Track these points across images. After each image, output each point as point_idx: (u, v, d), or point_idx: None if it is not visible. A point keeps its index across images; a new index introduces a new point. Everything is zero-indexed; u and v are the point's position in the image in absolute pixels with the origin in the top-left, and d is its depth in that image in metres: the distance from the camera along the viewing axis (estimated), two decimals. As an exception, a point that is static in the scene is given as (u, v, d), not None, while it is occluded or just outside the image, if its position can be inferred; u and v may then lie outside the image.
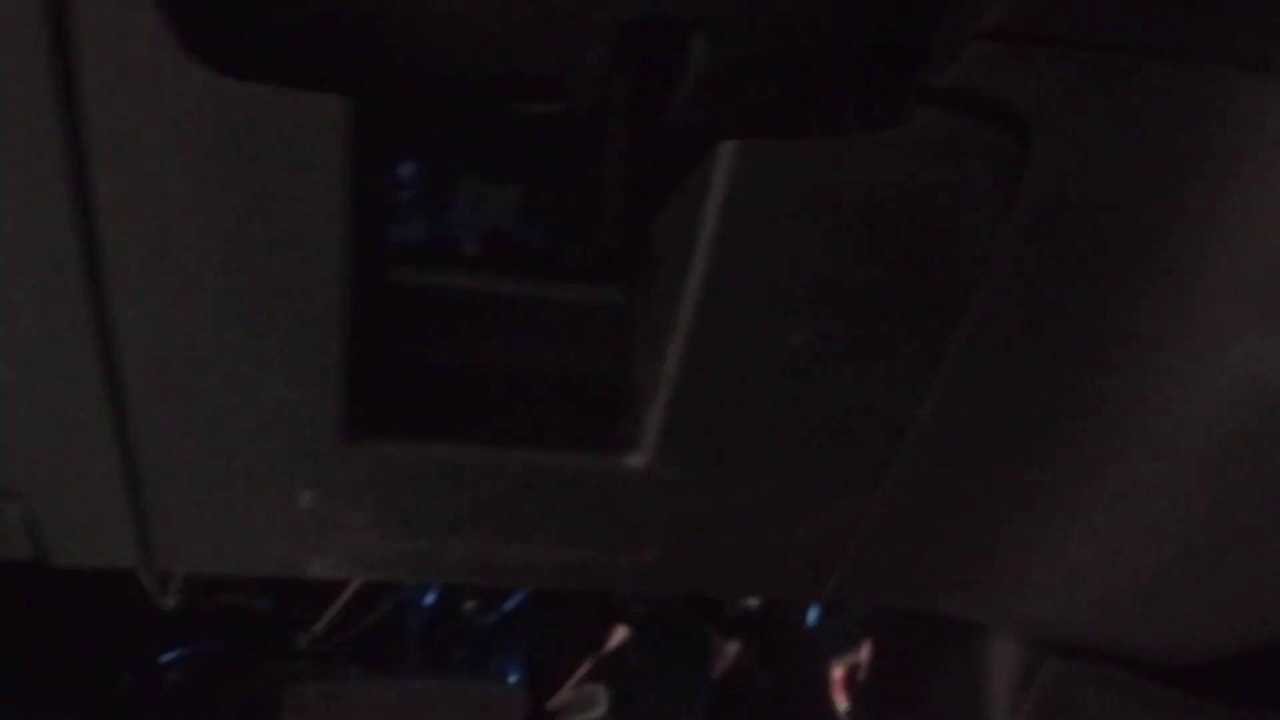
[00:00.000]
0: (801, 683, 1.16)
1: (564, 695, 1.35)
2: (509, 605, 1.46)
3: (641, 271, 0.69)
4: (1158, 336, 0.63)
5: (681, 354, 0.64)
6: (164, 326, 0.62)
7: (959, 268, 0.61)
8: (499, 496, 0.71)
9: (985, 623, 0.85)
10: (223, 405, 0.65)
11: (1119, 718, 0.77)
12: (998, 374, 0.66)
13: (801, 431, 0.69)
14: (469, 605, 1.47)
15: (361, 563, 0.75)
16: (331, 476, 0.69)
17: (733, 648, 1.27)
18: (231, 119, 0.54)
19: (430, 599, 1.50)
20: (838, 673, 1.09)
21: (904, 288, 0.62)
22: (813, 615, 1.19)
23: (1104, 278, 0.62)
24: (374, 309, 0.67)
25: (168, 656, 1.26)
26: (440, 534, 0.74)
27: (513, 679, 1.31)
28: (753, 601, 1.25)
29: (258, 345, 0.62)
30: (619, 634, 1.37)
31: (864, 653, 1.06)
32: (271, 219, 0.58)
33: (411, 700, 1.04)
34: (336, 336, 0.62)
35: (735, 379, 0.66)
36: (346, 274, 0.59)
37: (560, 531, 0.74)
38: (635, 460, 0.69)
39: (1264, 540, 0.65)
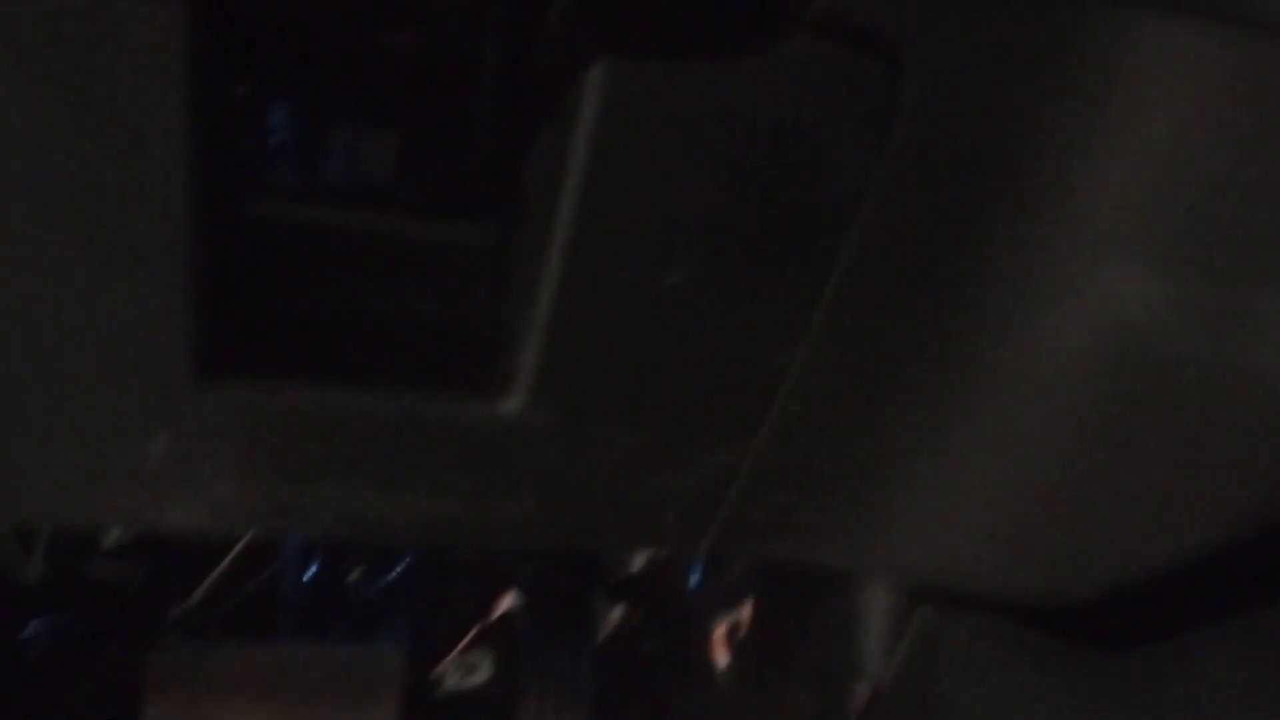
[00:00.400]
0: (685, 643, 1.16)
1: (448, 662, 1.33)
2: (393, 576, 1.43)
3: (513, 210, 0.67)
4: (1025, 276, 0.63)
5: (553, 295, 0.62)
6: None
7: (833, 205, 0.60)
8: (366, 444, 0.69)
9: (860, 572, 0.85)
10: (62, 339, 0.61)
11: (988, 664, 0.78)
12: (870, 317, 0.66)
13: (677, 376, 0.68)
14: (352, 575, 1.44)
15: (222, 515, 0.72)
16: (185, 420, 0.65)
17: (618, 611, 1.26)
18: (62, 16, 0.50)
19: (311, 571, 1.46)
20: (720, 631, 1.09)
21: (778, 224, 0.61)
22: (696, 577, 1.19)
23: (974, 216, 0.62)
24: (230, 241, 0.64)
25: (29, 631, 1.21)
26: (304, 484, 0.71)
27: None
28: (638, 565, 1.25)
29: (98, 276, 0.58)
30: (505, 600, 1.36)
31: (746, 611, 1.06)
32: (107, 129, 0.54)
33: (284, 667, 1.01)
34: (184, 266, 0.59)
35: (609, 321, 0.64)
36: (192, 196, 0.56)
37: (431, 482, 0.72)
38: (508, 405, 0.67)
39: (1130, 481, 0.67)
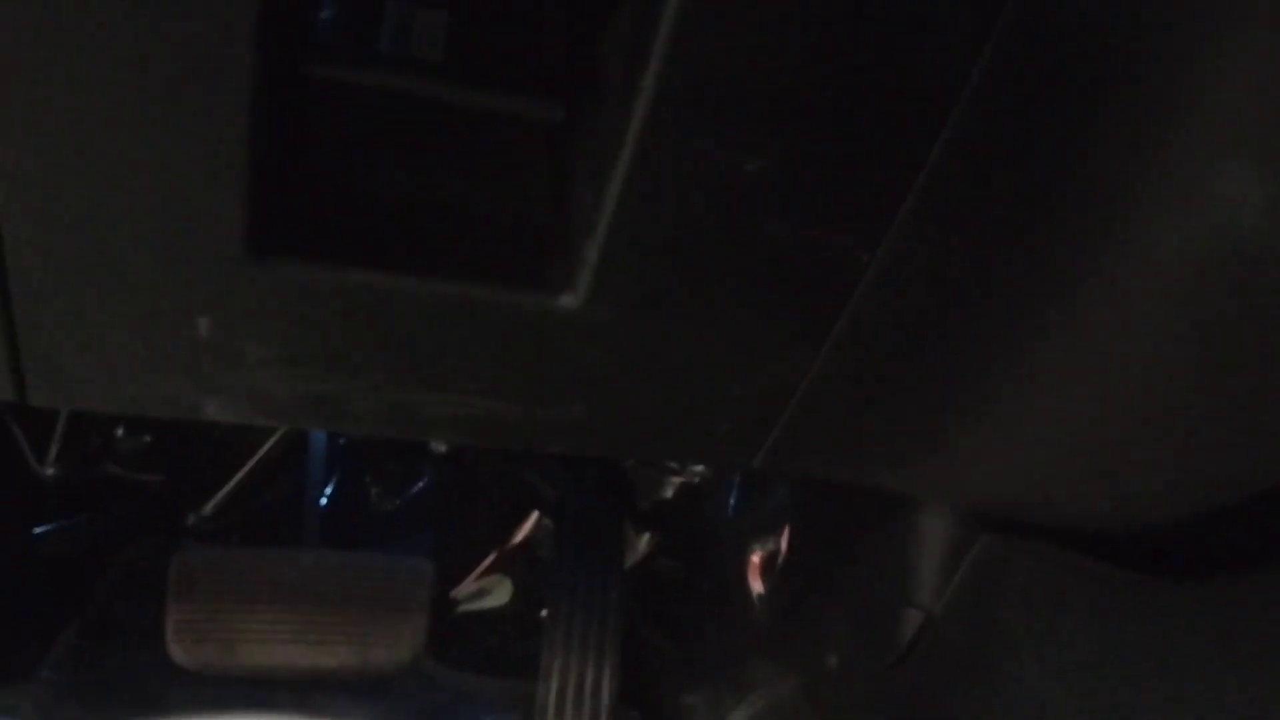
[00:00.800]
0: (720, 571, 1.13)
1: (468, 585, 1.31)
2: (414, 491, 1.41)
3: (585, 87, 0.63)
4: (1128, 179, 0.59)
5: (624, 180, 0.58)
6: (34, 116, 0.54)
7: (931, 90, 0.56)
8: (415, 335, 0.65)
9: (919, 496, 0.82)
10: (106, 212, 0.58)
11: (1051, 594, 0.75)
12: (954, 221, 0.62)
13: (747, 275, 0.64)
14: (373, 490, 1.41)
15: (262, 406, 0.69)
16: (232, 301, 0.62)
17: (646, 539, 1.24)
18: None
19: (332, 485, 1.44)
20: (756, 558, 1.06)
21: (871, 107, 0.57)
22: (731, 504, 1.16)
23: (1084, 108, 0.58)
24: (285, 110, 0.60)
25: (42, 528, 1.19)
26: (349, 376, 0.68)
27: (417, 565, 1.26)
28: (669, 491, 1.22)
29: (147, 140, 0.55)
30: (528, 524, 1.34)
31: (783, 540, 1.04)
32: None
33: (311, 574, 0.98)
34: (241, 135, 0.55)
35: (680, 211, 0.60)
36: (254, 55, 0.52)
37: (481, 379, 0.69)
38: (567, 301, 0.64)
39: (1227, 402, 0.63)
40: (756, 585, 1.05)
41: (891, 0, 0.53)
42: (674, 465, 1.21)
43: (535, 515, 1.32)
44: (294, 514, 1.30)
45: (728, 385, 0.70)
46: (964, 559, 0.78)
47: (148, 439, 1.20)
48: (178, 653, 0.97)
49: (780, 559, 1.03)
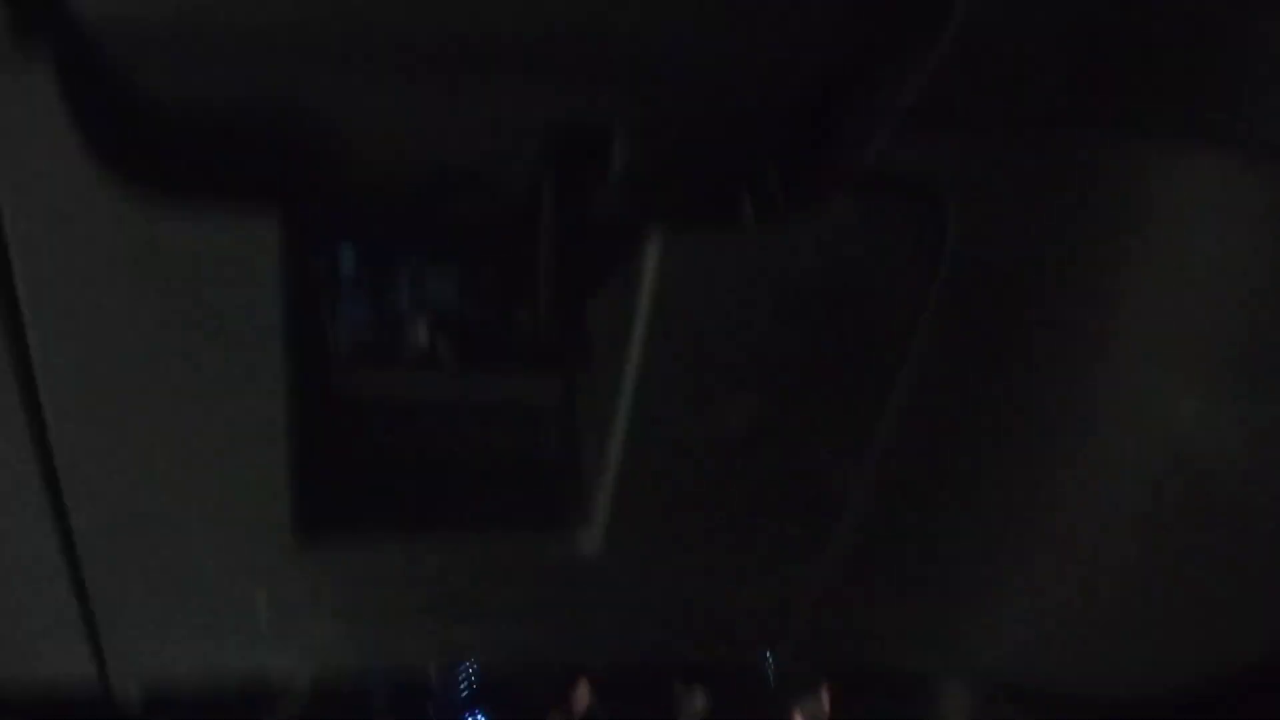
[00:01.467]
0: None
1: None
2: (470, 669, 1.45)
3: (580, 358, 0.71)
4: (1080, 403, 0.65)
5: (624, 439, 0.65)
6: (106, 440, 0.62)
7: (887, 342, 0.63)
8: (455, 583, 0.72)
9: (936, 673, 0.87)
10: (171, 512, 0.66)
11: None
12: (929, 441, 0.68)
13: (746, 504, 0.70)
14: (433, 672, 1.46)
15: (321, 657, 0.76)
16: (287, 577, 0.69)
17: (697, 697, 1.28)
18: (162, 237, 0.54)
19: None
20: (798, 718, 1.10)
21: (835, 364, 0.64)
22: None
23: (1024, 345, 0.64)
24: (320, 412, 0.68)
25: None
26: (397, 622, 0.74)
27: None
28: (714, 651, 1.26)
29: (203, 456, 0.63)
30: (583, 689, 1.38)
31: (825, 699, 1.08)
32: (210, 334, 0.58)
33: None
34: (282, 443, 0.63)
35: (678, 460, 0.67)
36: (290, 385, 0.60)
37: (515, 612, 0.75)
38: (586, 541, 0.71)
39: (1198, 589, 0.68)
40: (802, 746, 1.09)
41: (838, 280, 0.60)
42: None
43: (586, 683, 1.36)
44: (360, 699, 1.34)
45: (741, 594, 0.76)
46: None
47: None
48: None
49: (823, 719, 1.07)
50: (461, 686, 1.44)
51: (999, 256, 0.62)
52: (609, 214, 0.67)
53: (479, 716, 1.43)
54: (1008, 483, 0.69)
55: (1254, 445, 0.64)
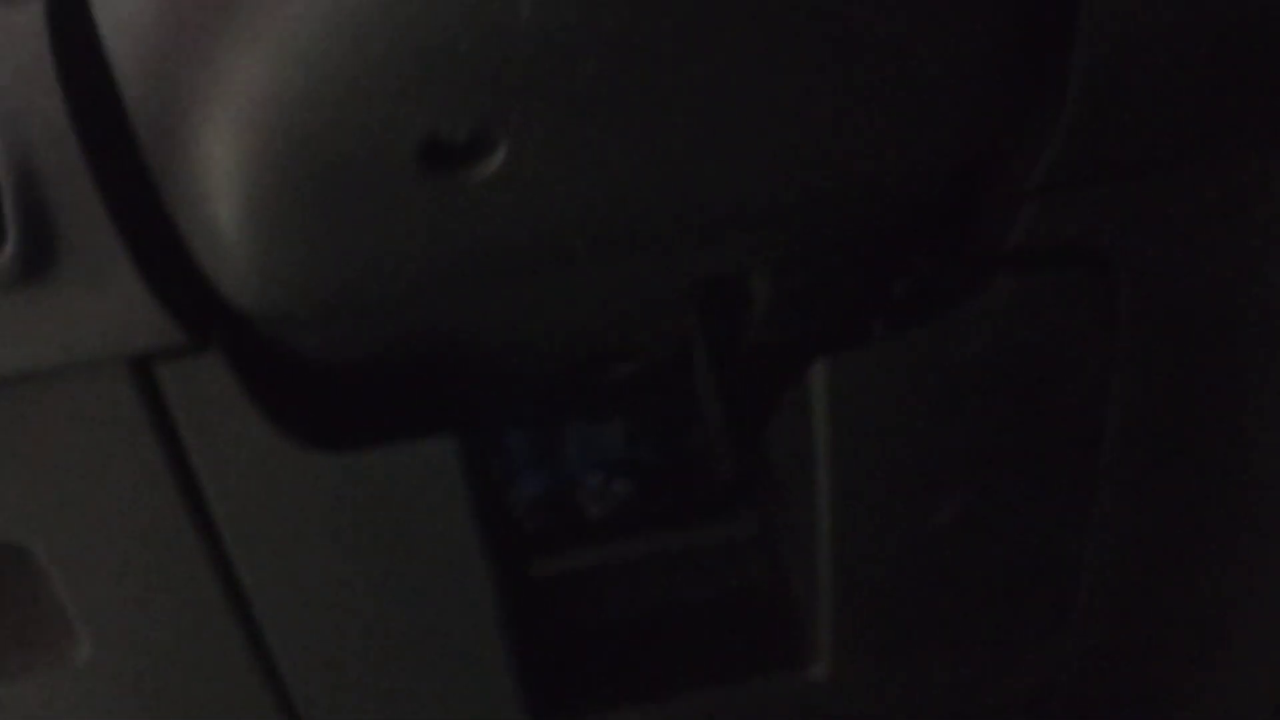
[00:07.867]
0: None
1: None
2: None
3: (769, 493, 0.70)
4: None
5: (832, 559, 0.64)
6: (334, 672, 0.64)
7: (1081, 412, 0.60)
8: None
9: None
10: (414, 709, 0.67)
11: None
12: (1150, 499, 0.65)
13: (973, 600, 0.68)
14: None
15: None
16: None
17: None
18: (352, 488, 0.56)
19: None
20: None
21: (1032, 443, 0.61)
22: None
23: (1223, 372, 0.61)
24: (525, 596, 0.69)
25: None
26: None
27: None
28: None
29: (425, 669, 0.64)
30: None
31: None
32: (409, 552, 0.60)
33: None
34: (498, 637, 0.64)
35: (892, 570, 0.65)
36: (495, 581, 0.61)
37: None
38: (817, 669, 0.69)
39: None
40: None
41: (1017, 363, 0.58)
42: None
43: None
44: None
45: (988, 691, 0.73)
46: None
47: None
48: None
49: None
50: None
51: (1177, 295, 0.59)
52: (764, 344, 0.66)
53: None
54: (1238, 530, 0.65)
55: None
